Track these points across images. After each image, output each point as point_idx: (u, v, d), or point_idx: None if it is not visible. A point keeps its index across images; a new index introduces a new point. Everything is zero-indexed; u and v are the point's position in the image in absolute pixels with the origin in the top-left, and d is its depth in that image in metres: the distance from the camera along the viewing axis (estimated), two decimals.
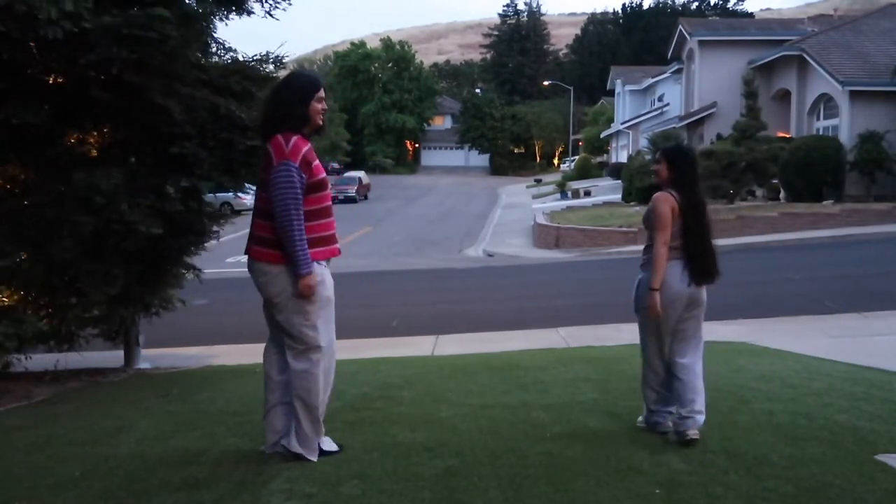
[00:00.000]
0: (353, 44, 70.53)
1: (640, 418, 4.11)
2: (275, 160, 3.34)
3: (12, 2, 4.66)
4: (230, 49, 6.95)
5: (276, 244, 3.39)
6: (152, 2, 5.44)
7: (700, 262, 3.82)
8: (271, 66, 6.88)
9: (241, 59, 6.86)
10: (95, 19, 5.11)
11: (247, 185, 7.25)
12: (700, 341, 3.98)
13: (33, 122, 5.27)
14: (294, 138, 3.37)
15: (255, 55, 6.81)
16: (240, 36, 8.59)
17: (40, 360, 6.71)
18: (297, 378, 3.50)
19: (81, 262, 5.66)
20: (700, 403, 3.81)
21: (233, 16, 6.89)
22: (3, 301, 5.79)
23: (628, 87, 45.01)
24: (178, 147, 6.00)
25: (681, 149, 4.22)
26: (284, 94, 3.48)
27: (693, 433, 3.72)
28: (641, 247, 4.04)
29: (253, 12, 6.92)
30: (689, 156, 4.05)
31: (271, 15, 6.95)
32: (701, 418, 3.79)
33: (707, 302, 3.92)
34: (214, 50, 6.91)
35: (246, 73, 6.65)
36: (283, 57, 6.85)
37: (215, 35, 6.87)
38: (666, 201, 3.84)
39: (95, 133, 6.21)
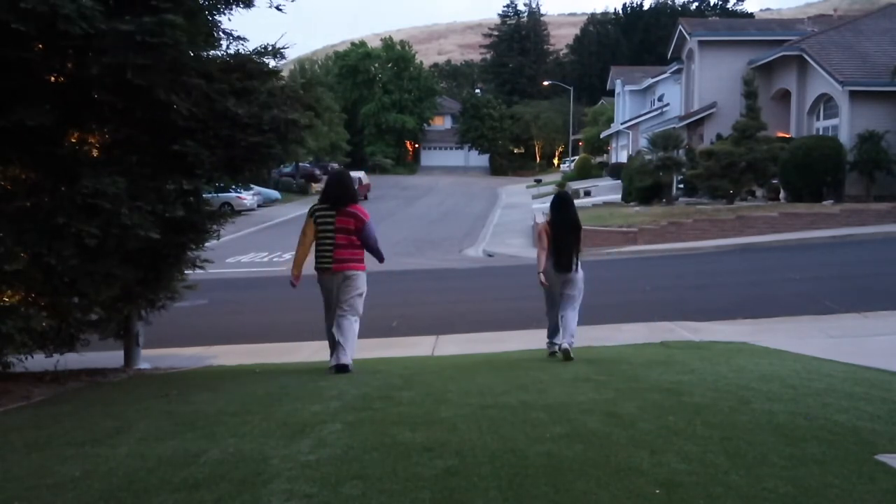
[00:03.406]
0: (353, 44, 70.50)
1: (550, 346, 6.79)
2: (365, 219, 6.20)
3: (35, 4, 4.74)
4: (239, 38, 6.91)
5: (363, 261, 6.26)
6: (163, 7, 5.46)
7: (557, 258, 6.45)
8: (271, 60, 6.87)
9: (242, 52, 6.85)
10: (109, 23, 5.15)
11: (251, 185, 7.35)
12: (575, 301, 6.57)
13: (46, 123, 5.30)
14: (362, 207, 6.32)
15: (256, 48, 6.80)
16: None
17: (40, 360, 6.70)
18: (351, 330, 6.17)
19: (81, 265, 5.67)
20: (571, 335, 6.41)
21: (237, 9, 6.87)
22: (5, 301, 5.79)
23: (628, 87, 45.00)
24: (180, 144, 6.00)
25: (555, 195, 6.87)
26: (350, 182, 6.47)
27: (565, 346, 6.33)
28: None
29: (254, 4, 6.89)
30: (554, 200, 6.74)
31: (279, 9, 6.93)
32: (573, 341, 6.41)
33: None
34: (222, 39, 6.88)
35: (247, 71, 6.65)
36: (283, 48, 6.82)
37: (221, 26, 6.85)
38: (541, 225, 6.72)
39: (97, 133, 6.21)
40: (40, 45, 5.34)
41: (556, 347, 6.62)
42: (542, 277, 6.53)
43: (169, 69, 5.68)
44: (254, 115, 6.34)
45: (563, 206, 6.58)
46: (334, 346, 6.19)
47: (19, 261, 5.44)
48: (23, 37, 5.02)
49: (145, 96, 5.71)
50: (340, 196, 6.17)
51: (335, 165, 57.64)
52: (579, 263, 6.55)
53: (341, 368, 6.07)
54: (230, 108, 6.17)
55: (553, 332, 6.75)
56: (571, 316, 6.50)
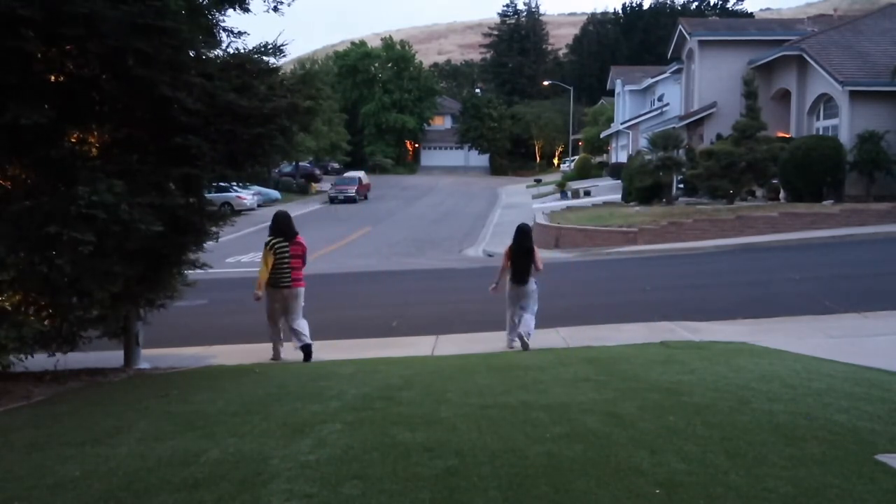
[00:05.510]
0: (353, 44, 70.44)
1: (510, 341, 8.12)
2: (306, 246, 8.21)
3: None
4: (240, 33, 6.92)
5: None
6: None
7: (514, 274, 8.12)
8: (271, 58, 6.87)
9: (241, 50, 6.84)
10: (112, 8, 5.17)
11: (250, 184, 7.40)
12: (530, 306, 8.04)
13: (40, 121, 5.28)
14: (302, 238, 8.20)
15: (255, 46, 6.80)
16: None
17: (40, 360, 6.70)
18: (301, 326, 7.93)
19: (80, 265, 5.65)
20: (528, 330, 7.81)
21: (235, 11, 6.87)
22: (3, 303, 5.78)
23: (628, 87, 44.99)
24: (182, 138, 5.99)
25: (517, 228, 8.41)
26: (292, 221, 8.17)
27: (524, 336, 7.73)
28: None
29: (250, 10, 6.89)
30: (516, 231, 8.34)
31: (276, 10, 6.93)
32: (530, 334, 7.80)
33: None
34: (222, 36, 6.88)
35: (246, 69, 6.64)
36: (282, 45, 6.82)
37: (223, 25, 6.85)
38: (506, 248, 8.37)
39: (97, 133, 6.20)
40: (42, 34, 5.31)
41: (515, 341, 7.93)
42: (506, 287, 8.26)
43: (169, 66, 5.67)
44: (255, 107, 6.34)
45: (521, 236, 8.27)
46: (289, 337, 8.06)
47: (12, 270, 5.42)
48: (25, 23, 5.01)
49: (146, 93, 5.70)
50: (290, 231, 8.05)
51: (335, 165, 57.87)
52: (532, 279, 8.16)
53: (308, 347, 7.87)
54: (232, 100, 6.16)
55: (512, 330, 8.11)
56: (528, 317, 8.03)
